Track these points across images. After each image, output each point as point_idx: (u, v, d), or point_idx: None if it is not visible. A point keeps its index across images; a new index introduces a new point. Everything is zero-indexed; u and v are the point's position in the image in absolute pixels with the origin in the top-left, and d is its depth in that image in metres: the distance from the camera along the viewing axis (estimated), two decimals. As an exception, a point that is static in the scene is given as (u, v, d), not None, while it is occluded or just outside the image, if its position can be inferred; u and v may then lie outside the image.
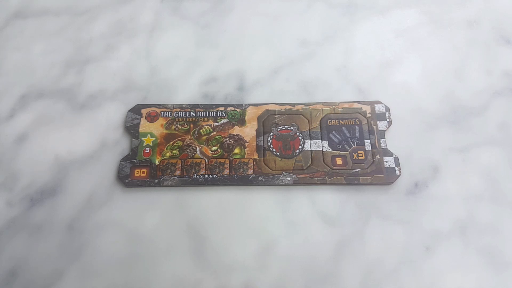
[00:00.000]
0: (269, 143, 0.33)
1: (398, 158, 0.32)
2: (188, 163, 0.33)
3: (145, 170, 0.32)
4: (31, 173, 0.33)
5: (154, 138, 0.34)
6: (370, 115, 0.34)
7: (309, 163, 0.32)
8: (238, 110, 0.35)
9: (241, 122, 0.34)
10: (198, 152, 0.33)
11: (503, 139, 0.34)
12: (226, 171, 0.32)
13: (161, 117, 0.35)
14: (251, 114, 0.35)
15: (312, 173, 0.32)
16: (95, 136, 0.34)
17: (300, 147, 0.33)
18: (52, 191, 0.32)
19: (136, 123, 0.34)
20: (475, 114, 0.35)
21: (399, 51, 0.38)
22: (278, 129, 0.34)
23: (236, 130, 0.34)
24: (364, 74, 0.37)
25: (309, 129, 0.34)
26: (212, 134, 0.34)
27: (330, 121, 0.34)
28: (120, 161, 0.33)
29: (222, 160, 0.33)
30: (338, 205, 0.32)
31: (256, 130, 0.34)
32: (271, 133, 0.34)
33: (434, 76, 0.37)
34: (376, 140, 0.33)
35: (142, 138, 0.34)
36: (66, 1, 0.41)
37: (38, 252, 0.30)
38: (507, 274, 0.29)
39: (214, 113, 0.35)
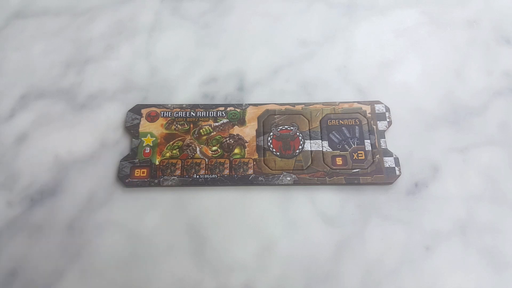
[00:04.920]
0: (269, 143, 0.33)
1: (398, 158, 0.32)
2: (188, 163, 0.33)
3: (145, 170, 0.32)
4: (31, 173, 0.33)
5: (154, 138, 0.34)
6: (370, 115, 0.34)
7: (309, 163, 0.32)
8: (238, 110, 0.35)
9: (241, 122, 0.34)
10: (198, 152, 0.33)
11: (503, 139, 0.34)
12: (226, 171, 0.32)
13: (161, 117, 0.35)
14: (251, 114, 0.35)
15: (312, 173, 0.32)
16: (95, 136, 0.34)
17: (300, 147, 0.33)
18: (52, 191, 0.32)
19: (136, 123, 0.34)
20: (475, 114, 0.35)
21: (399, 51, 0.38)
22: (278, 129, 0.34)
23: (236, 130, 0.34)
24: (364, 74, 0.37)
25: (309, 129, 0.34)
26: (212, 134, 0.34)
27: (330, 121, 0.34)
28: (120, 161, 0.33)
29: (222, 160, 0.33)
30: (338, 205, 0.32)
31: (256, 130, 0.34)
32: (271, 133, 0.34)
33: (434, 76, 0.37)
34: (376, 140, 0.33)
35: (142, 138, 0.34)
36: (66, 1, 0.41)
37: (38, 252, 0.30)
38: (507, 274, 0.29)
39: (214, 113, 0.35)
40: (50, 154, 0.34)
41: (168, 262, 0.30)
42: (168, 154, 0.33)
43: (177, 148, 0.33)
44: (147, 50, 0.39)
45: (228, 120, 0.34)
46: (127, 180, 0.32)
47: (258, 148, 0.33)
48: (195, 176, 0.32)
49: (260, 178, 0.32)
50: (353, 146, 0.33)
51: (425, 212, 0.31)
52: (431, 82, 0.37)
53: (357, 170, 0.32)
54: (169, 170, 0.32)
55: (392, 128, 0.34)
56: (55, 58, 0.38)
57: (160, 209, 0.32)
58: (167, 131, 0.34)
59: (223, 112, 0.35)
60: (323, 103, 0.35)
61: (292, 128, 0.34)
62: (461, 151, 0.33)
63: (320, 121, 0.34)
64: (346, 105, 0.35)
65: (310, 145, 0.33)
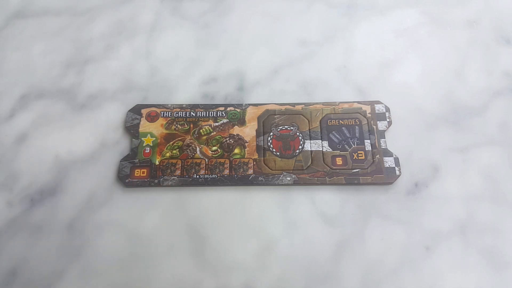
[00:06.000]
0: (269, 143, 0.33)
1: (398, 158, 0.32)
2: (188, 163, 0.33)
3: (145, 170, 0.32)
4: (31, 173, 0.33)
5: (154, 138, 0.34)
6: (370, 115, 0.34)
7: (309, 163, 0.32)
8: (238, 110, 0.35)
9: (241, 122, 0.34)
10: (198, 152, 0.33)
11: (503, 139, 0.34)
12: (226, 171, 0.32)
13: (161, 117, 0.35)
14: (251, 114, 0.35)
15: (312, 173, 0.32)
16: (95, 136, 0.34)
17: (300, 147, 0.33)
18: (52, 191, 0.32)
19: (136, 123, 0.34)
20: (475, 114, 0.35)
21: (399, 51, 0.38)
22: (278, 129, 0.34)
23: (236, 130, 0.34)
24: (364, 74, 0.37)
25: (309, 129, 0.34)
26: (212, 134, 0.34)
27: (330, 121, 0.34)
28: (120, 161, 0.33)
29: (222, 160, 0.33)
30: (338, 205, 0.32)
31: (256, 130, 0.34)
32: (271, 133, 0.34)
33: (434, 76, 0.37)
34: (376, 140, 0.33)
35: (142, 138, 0.34)
36: (66, 1, 0.41)
37: (38, 252, 0.30)
38: (507, 274, 0.29)
39: (214, 113, 0.35)
40: (50, 154, 0.34)
41: (168, 262, 0.30)
42: (168, 154, 0.33)
43: (177, 148, 0.33)
44: (147, 50, 0.39)
45: (228, 120, 0.34)
46: (127, 180, 0.32)
47: (258, 148, 0.33)
48: (195, 176, 0.32)
49: (260, 178, 0.32)
50: (353, 146, 0.33)
51: (425, 212, 0.31)
52: (431, 82, 0.37)
53: (357, 170, 0.32)
54: (169, 170, 0.32)
55: (392, 128, 0.34)
56: (55, 58, 0.38)
57: (160, 209, 0.32)
58: (167, 131, 0.34)
59: (223, 112, 0.35)
60: (323, 103, 0.35)
61: (292, 128, 0.34)
62: (461, 151, 0.33)
63: (320, 121, 0.34)
64: (346, 105, 0.35)
65: (310, 145, 0.33)
